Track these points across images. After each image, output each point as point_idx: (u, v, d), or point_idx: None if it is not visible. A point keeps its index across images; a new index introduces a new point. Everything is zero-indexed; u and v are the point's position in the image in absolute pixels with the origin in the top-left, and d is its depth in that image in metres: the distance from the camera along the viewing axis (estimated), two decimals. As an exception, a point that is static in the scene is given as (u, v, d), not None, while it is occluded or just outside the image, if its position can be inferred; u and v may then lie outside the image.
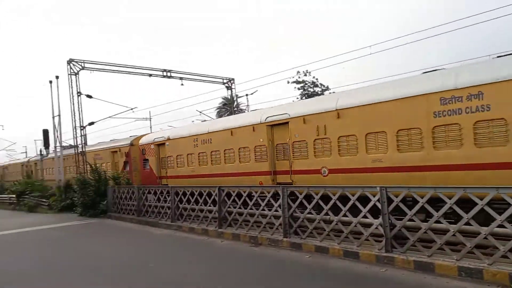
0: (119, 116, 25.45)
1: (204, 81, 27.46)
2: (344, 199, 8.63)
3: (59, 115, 23.35)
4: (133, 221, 16.22)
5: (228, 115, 31.14)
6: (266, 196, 10.42)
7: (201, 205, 12.90)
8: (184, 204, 13.64)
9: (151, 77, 24.81)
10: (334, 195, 8.72)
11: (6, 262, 10.37)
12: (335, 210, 8.82)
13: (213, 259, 9.32)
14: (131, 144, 22.38)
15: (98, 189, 19.29)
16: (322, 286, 6.73)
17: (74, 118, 22.64)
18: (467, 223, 6.73)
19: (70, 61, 22.06)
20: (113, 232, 14.62)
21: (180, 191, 13.90)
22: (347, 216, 8.54)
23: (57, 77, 23.34)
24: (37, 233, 15.17)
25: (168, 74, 25.06)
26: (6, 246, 12.98)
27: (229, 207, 11.80)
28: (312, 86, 37.09)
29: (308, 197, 9.59)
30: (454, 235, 6.88)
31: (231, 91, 29.04)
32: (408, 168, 9.32)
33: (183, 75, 25.62)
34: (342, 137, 10.86)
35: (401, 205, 7.65)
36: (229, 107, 44.18)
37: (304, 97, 34.64)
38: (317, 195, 9.13)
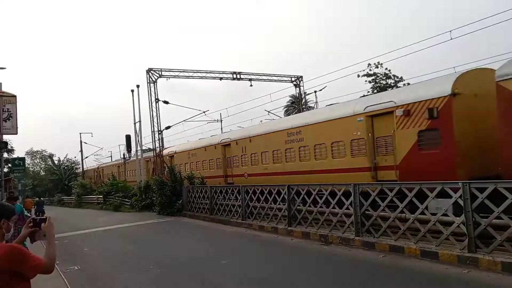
0: (193, 119, 26.72)
1: (272, 80, 27.81)
2: (419, 196, 8.17)
3: (139, 121, 25.19)
4: (206, 219, 16.91)
5: (295, 113, 30.99)
6: (336, 195, 10.23)
7: (270, 203, 13.04)
8: (254, 202, 13.89)
9: (222, 80, 25.75)
10: (410, 192, 8.28)
11: (97, 256, 11.42)
12: (412, 207, 8.38)
13: (285, 257, 9.37)
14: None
15: (174, 189, 20.43)
16: (400, 287, 6.41)
17: (153, 123, 24.29)
18: None
19: (149, 70, 23.74)
20: (188, 229, 15.38)
21: (250, 189, 14.19)
22: (424, 214, 8.06)
23: (137, 86, 25.25)
24: (121, 230, 16.52)
25: (238, 76, 25.83)
26: (96, 241, 14.28)
27: (298, 205, 11.77)
28: (384, 78, 35.33)
29: (382, 194, 9.22)
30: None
31: (299, 89, 28.99)
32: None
33: (252, 76, 26.19)
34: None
35: (487, 202, 7.03)
36: (297, 105, 44.16)
37: (376, 91, 33.11)
38: (391, 192, 8.75)
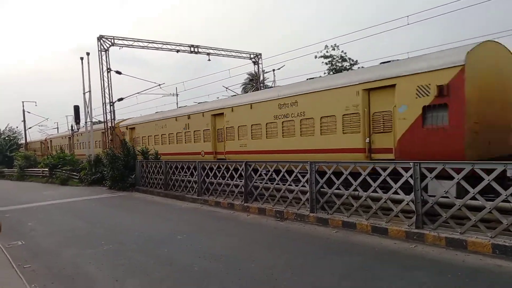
0: (147, 92, 25.75)
1: (231, 56, 27.39)
2: (373, 175, 8.46)
3: (89, 91, 23.84)
4: (160, 195, 16.58)
5: (253, 91, 30.91)
6: (293, 172, 10.36)
7: (227, 179, 12.99)
8: (211, 178, 13.77)
9: (179, 52, 24.90)
10: (364, 171, 8.55)
11: (42, 231, 10.84)
12: (364, 186, 8.68)
13: (241, 232, 9.40)
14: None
15: (127, 163, 19.75)
16: (351, 260, 6.66)
17: (104, 94, 23.11)
18: (505, 200, 6.47)
19: (100, 38, 22.39)
20: (141, 205, 14.98)
21: (206, 165, 14.03)
22: (377, 192, 8.39)
23: (88, 54, 23.73)
24: (70, 205, 15.74)
25: (196, 49, 25.13)
26: (42, 216, 13.52)
27: (255, 182, 11.82)
28: (340, 60, 36.05)
29: (337, 173, 9.45)
30: (490, 212, 6.64)
31: (258, 66, 28.81)
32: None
33: (210, 51, 25.59)
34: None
35: (434, 182, 7.42)
36: (255, 83, 43.98)
37: (331, 72, 33.71)
38: (346, 170, 8.99)
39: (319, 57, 35.77)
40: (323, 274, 6.00)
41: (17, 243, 9.02)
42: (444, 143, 8.95)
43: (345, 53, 36.26)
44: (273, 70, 32.41)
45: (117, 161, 19.84)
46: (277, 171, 11.02)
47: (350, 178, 8.91)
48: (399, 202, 8.04)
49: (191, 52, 25.68)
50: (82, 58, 24.49)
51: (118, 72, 23.66)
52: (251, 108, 15.04)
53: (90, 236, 9.54)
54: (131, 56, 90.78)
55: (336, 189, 9.29)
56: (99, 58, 22.68)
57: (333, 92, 11.80)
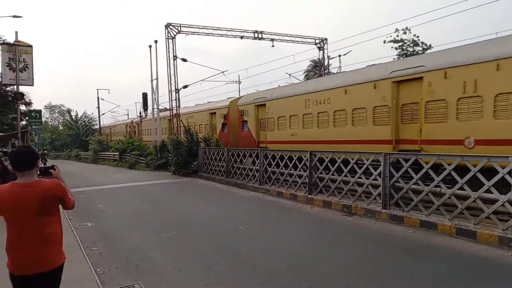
0: (211, 79, 25.92)
1: (295, 41, 26.61)
2: (462, 169, 7.43)
3: (157, 79, 24.52)
4: (221, 182, 16.55)
5: (317, 77, 29.89)
6: (364, 164, 9.56)
7: (290, 169, 12.48)
8: (273, 167, 13.36)
9: (243, 39, 24.67)
10: (450, 165, 7.54)
11: (111, 213, 11.19)
12: (450, 182, 7.69)
13: (305, 226, 8.86)
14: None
15: (190, 149, 20.05)
16: (435, 268, 5.83)
17: (170, 81, 23.62)
18: None
19: (167, 25, 22.79)
20: (204, 191, 15.04)
21: (269, 154, 13.62)
22: (464, 190, 7.36)
23: (155, 42, 24.36)
24: (136, 188, 16.31)
25: (260, 35, 24.73)
26: (111, 198, 14.09)
27: (320, 173, 11.17)
28: (412, 45, 33.51)
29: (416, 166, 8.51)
30: None
31: (323, 52, 27.74)
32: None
33: (274, 36, 25.05)
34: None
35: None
36: (318, 70, 42.67)
37: (403, 58, 31.53)
38: (427, 164, 8.02)
39: (389, 42, 33.59)
40: (406, 284, 5.28)
41: (87, 224, 9.33)
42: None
43: (417, 36, 33.65)
44: (339, 55, 31.04)
45: (181, 147, 20.21)
46: (345, 162, 10.27)
47: (431, 172, 7.94)
48: (491, 202, 6.97)
49: (255, 38, 25.28)
50: (150, 46, 25.27)
51: (184, 60, 24.02)
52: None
53: (155, 220, 9.60)
54: (195, 46, 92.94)
55: (414, 183, 8.35)
56: (166, 46, 23.16)
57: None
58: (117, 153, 32.49)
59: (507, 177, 6.59)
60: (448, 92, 9.54)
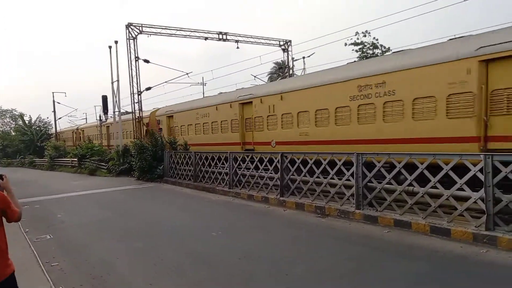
0: (174, 81, 25.29)
1: (260, 43, 26.55)
2: (433, 168, 7.50)
3: (118, 81, 23.56)
4: (189, 186, 16.05)
5: (281, 79, 29.99)
6: (336, 164, 9.50)
7: (261, 172, 12.26)
8: (243, 170, 13.08)
9: (207, 40, 24.26)
10: (422, 164, 7.60)
11: (72, 223, 10.46)
12: (421, 181, 7.74)
13: (280, 229, 8.65)
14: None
15: (155, 153, 19.36)
16: (415, 265, 5.78)
17: (132, 83, 22.78)
18: None
19: (128, 25, 21.99)
20: (171, 197, 14.50)
21: (239, 156, 13.34)
22: (436, 188, 7.43)
23: (116, 42, 23.40)
24: (99, 196, 15.46)
25: (224, 36, 24.42)
26: (71, 207, 13.24)
27: (292, 174, 11.02)
28: (371, 48, 34.47)
29: (388, 166, 8.54)
30: None
31: (288, 54, 27.82)
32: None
33: (239, 38, 24.82)
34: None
35: None
36: (281, 72, 42.84)
37: (363, 59, 32.30)
38: (399, 163, 8.05)
39: (349, 44, 34.35)
40: (388, 283, 5.17)
41: (46, 236, 8.60)
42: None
43: (376, 39, 34.68)
44: (303, 57, 31.30)
45: (145, 152, 19.47)
46: (317, 163, 10.18)
47: (404, 171, 7.98)
48: (463, 199, 7.07)
49: (220, 39, 24.97)
50: (110, 47, 24.24)
51: (146, 61, 23.27)
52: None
53: (121, 229, 9.04)
54: (158, 48, 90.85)
55: (387, 183, 8.36)
56: (127, 46, 22.32)
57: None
58: (76, 159, 30.93)
59: (479, 174, 6.69)
60: (263, 111, 14.92)
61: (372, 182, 8.76)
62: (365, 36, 34.51)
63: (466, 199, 7.00)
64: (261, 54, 46.94)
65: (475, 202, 6.81)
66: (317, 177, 10.12)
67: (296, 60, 32.98)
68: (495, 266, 5.67)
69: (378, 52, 35.22)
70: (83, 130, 47.59)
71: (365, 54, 35.54)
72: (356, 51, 35.38)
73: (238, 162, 13.25)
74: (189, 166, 16.48)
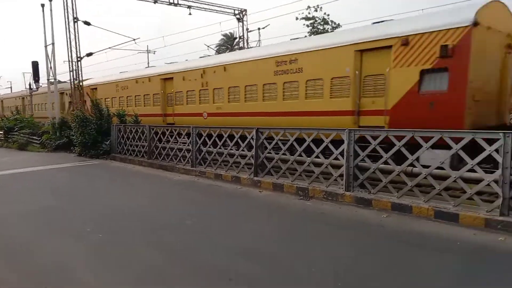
0: (119, 47, 22.74)
1: (213, 10, 24.71)
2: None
3: (52, 44, 20.52)
4: (143, 164, 14.41)
5: (230, 51, 28.53)
6: (323, 142, 8.59)
7: (230, 149, 11.07)
8: (209, 147, 11.76)
9: (156, 3, 21.93)
10: (427, 142, 6.90)
11: (7, 214, 8.56)
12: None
13: (261, 214, 7.64)
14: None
15: (100, 127, 17.22)
16: (436, 260, 5.07)
17: (70, 47, 20.00)
18: None
19: (64, -22, 18.96)
20: (124, 176, 12.81)
21: (203, 132, 11.97)
22: (443, 169, 6.80)
23: (50, 0, 20.20)
24: (36, 175, 13.23)
25: (176, 1, 22.20)
26: (3, 191, 11.11)
27: (269, 152, 9.96)
28: (322, 23, 33.89)
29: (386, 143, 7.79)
30: None
31: (243, 24, 26.30)
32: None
33: (191, 3, 22.78)
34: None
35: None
36: (230, 44, 41.01)
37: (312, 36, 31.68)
38: (399, 141, 7.30)
39: (301, 19, 33.47)
40: (426, 283, 4.38)
41: (-27, 232, 6.77)
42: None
43: (328, 15, 34.12)
44: (258, 28, 29.92)
45: (89, 125, 17.24)
46: (299, 140, 9.22)
47: (403, 149, 7.26)
48: (476, 182, 6.50)
49: (170, 3, 22.76)
50: (43, 5, 20.95)
51: (87, 23, 20.49)
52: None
53: (72, 221, 7.40)
54: (103, 11, 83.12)
55: (383, 163, 7.62)
56: (64, 5, 19.35)
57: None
58: (1, 132, 27.24)
59: (494, 154, 6.12)
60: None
61: (365, 162, 7.98)
62: (316, 11, 33.86)
63: (478, 181, 6.43)
64: (216, 22, 44.41)
65: (488, 185, 6.25)
66: (300, 155, 9.16)
67: (250, 31, 31.53)
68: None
69: (328, 28, 34.82)
70: (2, 101, 42.33)
71: (316, 29, 34.97)
72: (307, 25, 34.67)
73: (203, 138, 11.90)
74: (142, 142, 14.77)
